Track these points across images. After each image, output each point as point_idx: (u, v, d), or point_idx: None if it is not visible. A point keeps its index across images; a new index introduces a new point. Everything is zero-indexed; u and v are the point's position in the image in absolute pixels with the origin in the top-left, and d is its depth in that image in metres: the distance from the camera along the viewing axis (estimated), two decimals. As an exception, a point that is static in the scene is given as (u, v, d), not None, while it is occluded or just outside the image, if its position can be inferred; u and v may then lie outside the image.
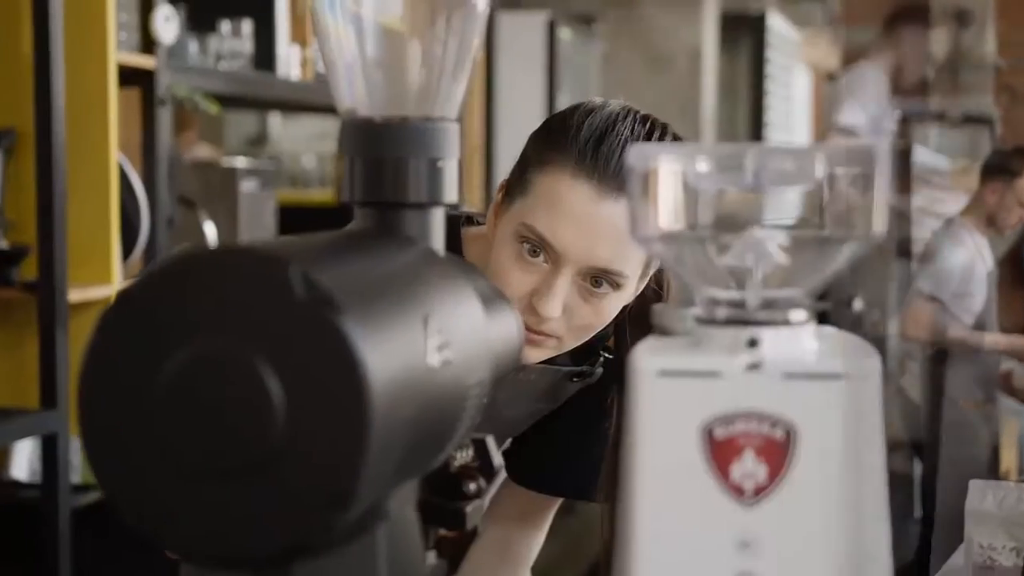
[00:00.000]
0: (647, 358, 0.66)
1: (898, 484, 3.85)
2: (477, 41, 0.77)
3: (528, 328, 1.27)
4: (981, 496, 1.73)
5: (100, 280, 2.69)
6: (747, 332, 0.66)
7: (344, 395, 0.58)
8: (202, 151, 4.31)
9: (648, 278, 1.35)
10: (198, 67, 3.11)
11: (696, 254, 0.68)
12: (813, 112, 9.00)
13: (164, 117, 2.84)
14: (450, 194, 0.76)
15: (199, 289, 0.60)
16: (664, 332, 0.72)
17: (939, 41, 4.67)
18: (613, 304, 1.30)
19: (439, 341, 0.67)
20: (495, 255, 1.29)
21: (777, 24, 7.77)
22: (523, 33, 5.24)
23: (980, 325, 4.33)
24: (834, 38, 8.72)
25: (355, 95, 0.75)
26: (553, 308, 1.26)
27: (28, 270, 2.55)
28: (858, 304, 4.55)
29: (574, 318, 1.28)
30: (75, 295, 2.57)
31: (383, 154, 0.74)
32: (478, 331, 0.73)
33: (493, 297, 0.81)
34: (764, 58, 7.64)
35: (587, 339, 1.33)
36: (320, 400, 0.58)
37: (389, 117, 0.75)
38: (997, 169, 4.25)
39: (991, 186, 4.26)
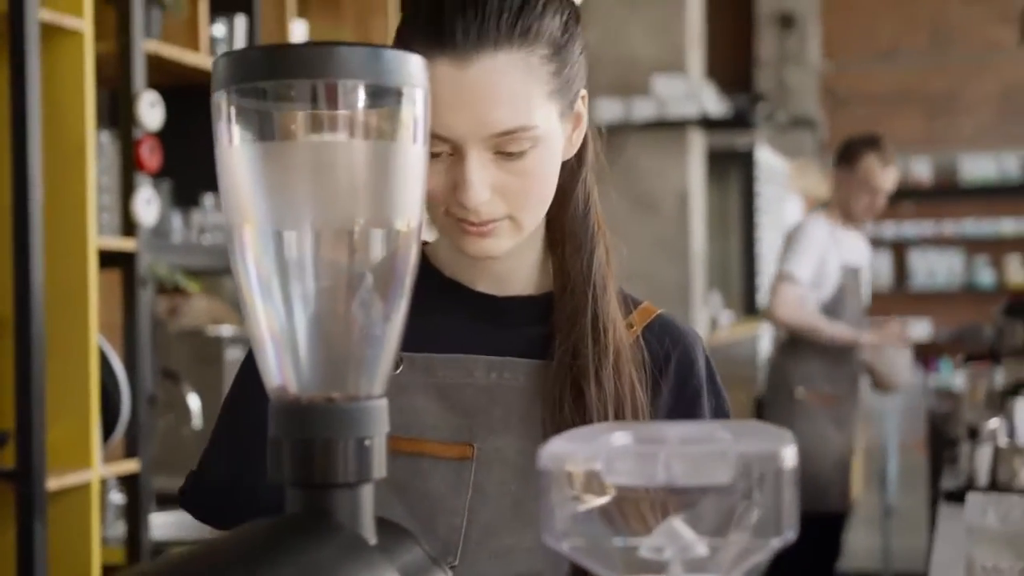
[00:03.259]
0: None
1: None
2: (402, 315, 0.78)
3: (470, 224, 1.20)
4: (981, 511, 1.55)
5: (79, 465, 2.66)
6: (666, 632, 0.65)
7: None
8: (200, 304, 4.31)
9: (581, 117, 1.26)
10: (180, 244, 3.13)
11: (612, 547, 0.68)
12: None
13: (145, 297, 2.85)
14: (379, 470, 0.76)
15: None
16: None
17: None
18: (542, 159, 1.20)
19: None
20: None
21: (766, 156, 7.84)
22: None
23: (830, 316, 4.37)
24: (823, 164, 8.81)
25: (283, 374, 0.76)
26: (476, 194, 1.17)
27: (6, 458, 2.54)
28: None
29: (509, 192, 1.19)
30: (54, 483, 2.54)
31: (311, 436, 0.74)
32: (403, 621, 0.73)
33: (425, 568, 0.81)
34: (754, 191, 7.68)
35: (542, 208, 1.23)
36: None
37: (315, 397, 0.75)
38: (840, 158, 4.47)
39: (837, 175, 4.47)
